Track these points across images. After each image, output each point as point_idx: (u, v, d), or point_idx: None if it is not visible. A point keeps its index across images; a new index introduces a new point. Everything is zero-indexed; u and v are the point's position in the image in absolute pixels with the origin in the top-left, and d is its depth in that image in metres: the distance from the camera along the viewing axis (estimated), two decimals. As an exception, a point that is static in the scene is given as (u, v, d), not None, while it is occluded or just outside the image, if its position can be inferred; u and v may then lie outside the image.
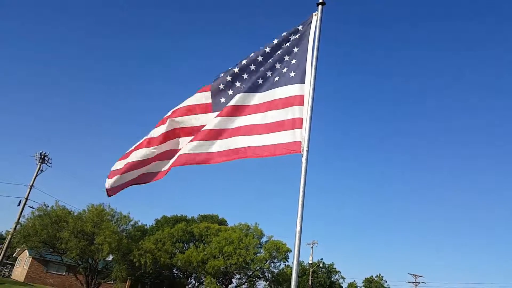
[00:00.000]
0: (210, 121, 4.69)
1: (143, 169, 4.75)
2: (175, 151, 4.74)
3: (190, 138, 4.71)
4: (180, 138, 4.82)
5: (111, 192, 4.75)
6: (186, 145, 4.64)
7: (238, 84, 4.85)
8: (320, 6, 4.80)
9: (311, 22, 4.82)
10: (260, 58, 4.90)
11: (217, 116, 4.68)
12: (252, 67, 4.88)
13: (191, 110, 4.85)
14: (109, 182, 4.71)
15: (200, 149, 4.53)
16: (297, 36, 4.87)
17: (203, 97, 4.89)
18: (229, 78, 4.87)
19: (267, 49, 4.93)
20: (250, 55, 4.96)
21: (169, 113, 4.86)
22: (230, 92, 4.81)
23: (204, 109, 4.85)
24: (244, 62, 4.91)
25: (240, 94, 4.72)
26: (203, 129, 4.67)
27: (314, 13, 4.84)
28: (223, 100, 4.82)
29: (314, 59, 4.59)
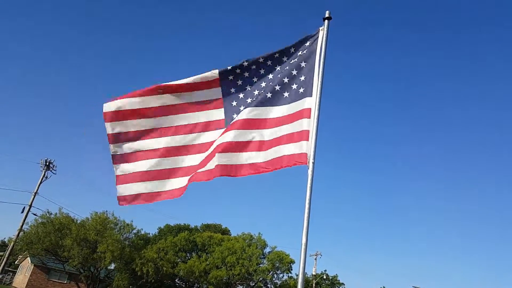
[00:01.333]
0: (223, 135, 4.73)
1: (157, 184, 4.72)
2: (193, 167, 4.75)
3: (203, 154, 4.76)
4: (193, 155, 4.83)
5: (124, 201, 4.74)
6: (202, 161, 4.69)
7: (249, 100, 4.91)
8: (326, 21, 4.88)
9: (318, 37, 4.90)
10: (270, 75, 4.97)
11: (229, 130, 4.72)
12: (263, 84, 4.95)
13: (206, 126, 4.88)
14: (120, 190, 4.70)
15: (220, 161, 4.52)
16: (304, 51, 4.94)
17: (214, 103, 4.89)
18: (241, 95, 4.93)
19: (275, 62, 5.00)
20: (259, 70, 4.99)
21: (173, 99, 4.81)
22: (242, 108, 4.86)
23: (217, 125, 4.89)
24: (255, 79, 4.97)
25: (250, 108, 4.78)
26: (216, 143, 4.70)
27: (320, 28, 4.92)
28: (234, 116, 4.85)
29: (320, 73, 4.66)
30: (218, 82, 4.87)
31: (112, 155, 4.71)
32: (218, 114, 4.90)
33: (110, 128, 4.68)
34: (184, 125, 4.85)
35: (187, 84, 4.80)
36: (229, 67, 4.90)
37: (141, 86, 4.85)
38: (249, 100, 4.88)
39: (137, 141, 4.76)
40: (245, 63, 4.92)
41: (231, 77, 4.91)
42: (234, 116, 4.83)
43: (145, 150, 4.77)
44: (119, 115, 4.70)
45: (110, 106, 4.69)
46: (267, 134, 4.69)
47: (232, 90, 4.94)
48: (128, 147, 4.75)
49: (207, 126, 4.88)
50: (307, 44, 4.96)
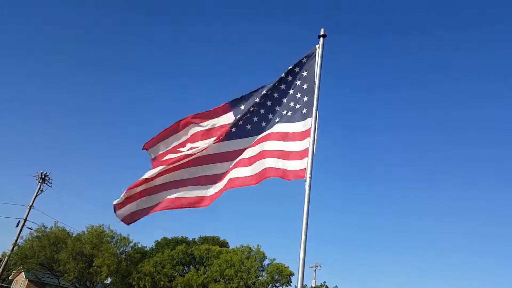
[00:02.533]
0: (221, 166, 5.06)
1: (169, 193, 4.95)
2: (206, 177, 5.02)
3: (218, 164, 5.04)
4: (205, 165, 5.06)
5: (129, 219, 4.95)
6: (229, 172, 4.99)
7: (255, 118, 5.12)
8: (321, 39, 5.00)
9: (315, 55, 5.02)
10: (272, 97, 5.20)
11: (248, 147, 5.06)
12: (268, 103, 5.16)
13: (211, 135, 5.15)
14: (121, 212, 4.88)
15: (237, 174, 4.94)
16: (304, 73, 5.09)
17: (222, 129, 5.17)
18: (247, 115, 5.14)
19: (278, 86, 5.19)
20: (265, 91, 5.19)
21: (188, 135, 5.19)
22: (249, 126, 5.11)
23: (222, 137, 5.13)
24: (258, 99, 5.15)
25: (246, 138, 5.08)
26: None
27: (317, 45, 5.03)
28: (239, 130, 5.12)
29: (316, 91, 4.77)
30: (229, 108, 5.16)
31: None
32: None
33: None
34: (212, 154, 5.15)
35: (202, 114, 5.20)
36: (237, 98, 5.21)
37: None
38: (250, 127, 5.12)
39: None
40: (254, 94, 5.17)
41: (242, 107, 5.16)
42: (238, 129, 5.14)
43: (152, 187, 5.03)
44: (154, 164, 5.10)
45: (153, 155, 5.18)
46: (271, 146, 4.96)
47: (242, 118, 5.15)
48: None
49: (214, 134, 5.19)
50: (304, 60, 5.10)
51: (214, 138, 5.01)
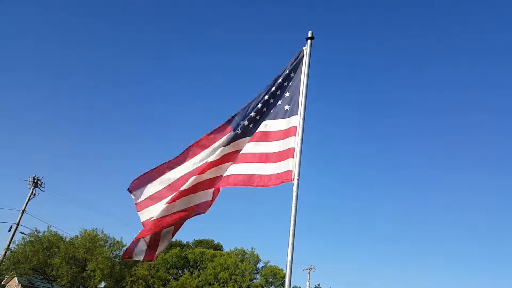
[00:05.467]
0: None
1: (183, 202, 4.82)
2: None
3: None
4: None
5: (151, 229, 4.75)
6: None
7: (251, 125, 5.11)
8: (309, 41, 5.04)
9: (302, 56, 5.06)
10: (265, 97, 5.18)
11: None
12: (259, 105, 5.14)
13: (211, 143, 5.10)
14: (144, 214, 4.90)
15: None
16: (289, 72, 5.12)
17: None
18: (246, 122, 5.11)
19: (271, 89, 5.20)
20: (261, 95, 5.19)
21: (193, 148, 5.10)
22: (239, 131, 5.08)
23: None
24: (256, 104, 5.17)
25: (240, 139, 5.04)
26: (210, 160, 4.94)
27: (304, 47, 5.08)
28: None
29: (304, 92, 4.80)
30: (230, 128, 5.12)
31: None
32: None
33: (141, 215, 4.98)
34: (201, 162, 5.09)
35: (205, 140, 5.09)
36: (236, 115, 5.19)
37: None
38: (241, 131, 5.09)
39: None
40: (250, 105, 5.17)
41: (242, 123, 5.13)
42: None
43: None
44: (147, 203, 4.99)
45: (139, 197, 5.00)
46: (250, 148, 4.86)
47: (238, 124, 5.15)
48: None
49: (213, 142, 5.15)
50: (293, 63, 5.14)
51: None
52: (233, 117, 5.07)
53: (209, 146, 4.97)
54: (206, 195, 4.82)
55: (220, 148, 4.90)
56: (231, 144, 4.93)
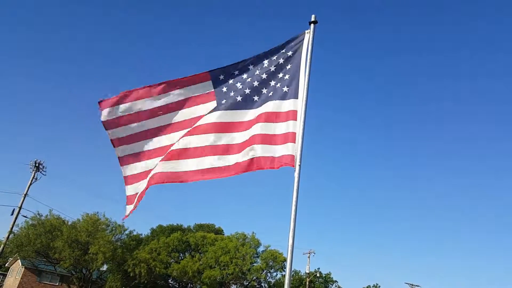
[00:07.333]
0: (204, 138, 4.81)
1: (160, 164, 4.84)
2: (168, 147, 4.90)
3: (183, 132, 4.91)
4: (175, 132, 4.95)
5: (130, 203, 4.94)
6: (179, 162, 4.79)
7: (238, 98, 4.96)
8: (312, 25, 4.93)
9: (303, 39, 4.95)
10: (257, 71, 5.03)
11: (210, 132, 4.81)
12: (249, 79, 5.00)
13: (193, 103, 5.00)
14: (128, 190, 4.97)
15: (196, 166, 4.74)
16: (289, 53, 4.99)
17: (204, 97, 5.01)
18: (232, 93, 4.99)
19: (263, 64, 5.06)
20: (248, 66, 5.06)
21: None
22: (239, 98, 4.96)
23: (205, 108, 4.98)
24: (244, 75, 5.03)
25: (234, 111, 4.87)
26: (195, 146, 4.81)
27: (306, 31, 4.97)
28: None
29: (306, 76, 4.72)
30: (209, 77, 4.98)
31: (118, 157, 5.00)
32: (211, 106, 5.01)
33: (112, 134, 4.91)
34: (181, 121, 4.98)
35: (179, 81, 4.95)
36: (218, 68, 5.01)
37: (130, 86, 4.96)
38: (239, 99, 4.94)
39: (139, 142, 4.98)
40: (235, 65, 5.02)
41: (221, 76, 4.99)
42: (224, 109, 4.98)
43: (148, 150, 4.98)
44: (118, 121, 4.89)
45: (107, 115, 4.84)
46: (251, 132, 4.77)
47: (224, 89, 5.00)
48: (132, 148, 4.99)
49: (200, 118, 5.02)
50: (292, 44, 5.01)
51: (192, 108, 4.89)
52: (215, 73, 4.94)
53: (191, 106, 4.92)
54: (221, 160, 4.75)
55: (218, 112, 4.85)
56: (233, 111, 4.88)
